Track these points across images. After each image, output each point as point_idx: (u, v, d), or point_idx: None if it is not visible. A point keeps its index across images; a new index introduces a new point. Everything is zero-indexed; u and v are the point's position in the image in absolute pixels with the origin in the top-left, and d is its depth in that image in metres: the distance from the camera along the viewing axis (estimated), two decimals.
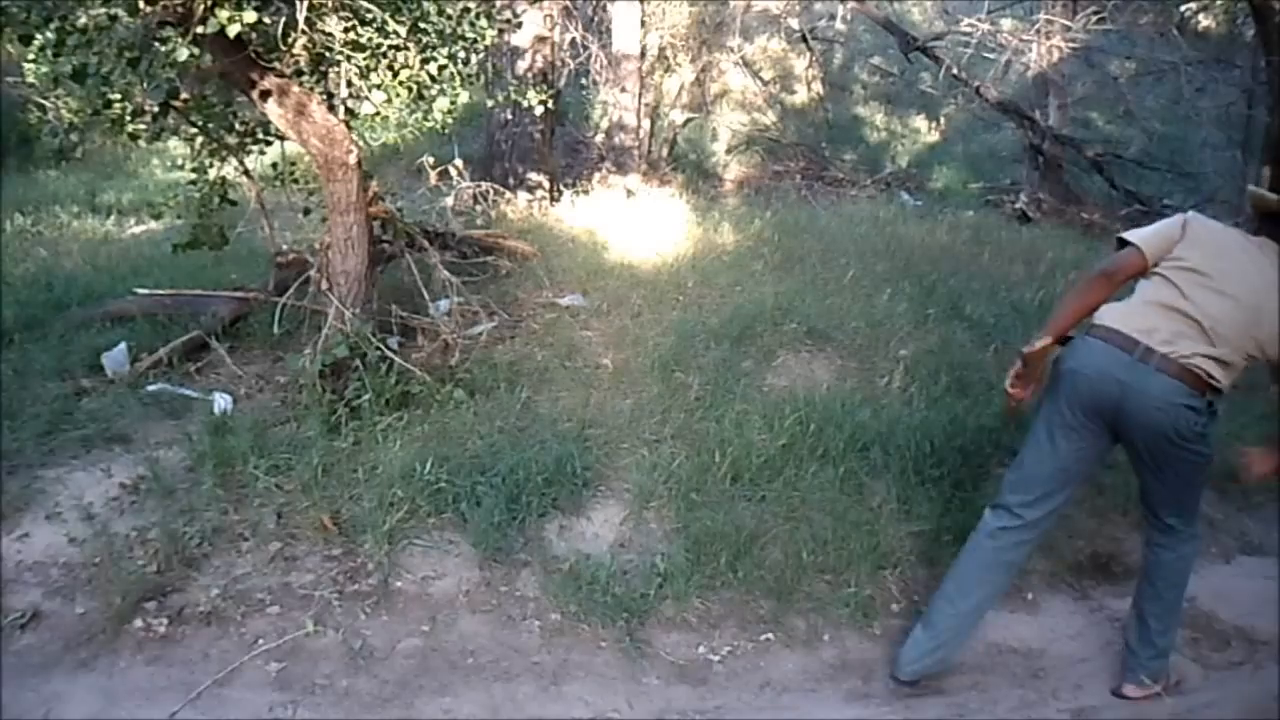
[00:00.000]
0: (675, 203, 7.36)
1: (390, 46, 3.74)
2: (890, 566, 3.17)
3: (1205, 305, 2.47)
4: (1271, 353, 2.51)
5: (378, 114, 4.11)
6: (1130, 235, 2.63)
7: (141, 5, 3.06)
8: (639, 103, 8.32)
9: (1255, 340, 2.49)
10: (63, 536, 3.03)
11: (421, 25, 3.73)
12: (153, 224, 6.71)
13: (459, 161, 5.56)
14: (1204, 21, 12.29)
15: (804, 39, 10.85)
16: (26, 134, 7.81)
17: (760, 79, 12.06)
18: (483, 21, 3.94)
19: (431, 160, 5.34)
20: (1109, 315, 2.56)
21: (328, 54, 3.72)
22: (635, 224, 6.36)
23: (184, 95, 3.85)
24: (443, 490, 3.25)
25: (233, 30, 3.06)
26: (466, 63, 4.06)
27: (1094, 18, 8.63)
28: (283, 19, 3.38)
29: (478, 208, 6.28)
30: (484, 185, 6.32)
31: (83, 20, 3.10)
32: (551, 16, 7.53)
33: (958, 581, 2.68)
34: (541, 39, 7.42)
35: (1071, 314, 2.63)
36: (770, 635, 2.90)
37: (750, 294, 5.01)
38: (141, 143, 3.93)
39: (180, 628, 2.75)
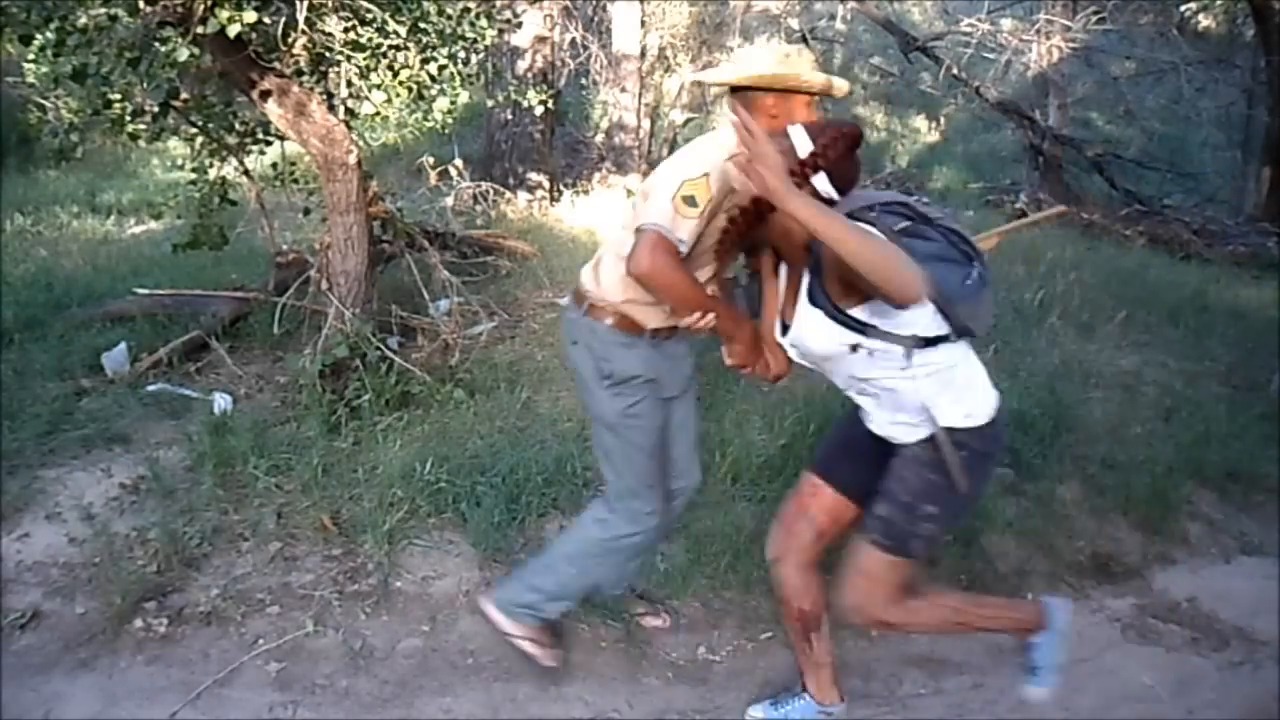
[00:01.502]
0: None
1: (390, 46, 3.74)
2: None
3: None
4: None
5: (378, 114, 4.12)
6: None
7: (141, 5, 3.06)
8: (639, 103, 8.32)
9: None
10: (63, 536, 3.03)
11: (421, 25, 3.74)
12: (153, 224, 6.72)
13: (459, 161, 5.58)
14: (1204, 21, 12.31)
15: (804, 39, 10.83)
16: (26, 134, 7.81)
17: None
18: (483, 21, 3.94)
19: (431, 160, 5.36)
20: None
21: (328, 54, 3.72)
22: None
23: (184, 95, 3.85)
24: (443, 490, 3.25)
25: (233, 30, 3.05)
26: (466, 63, 4.07)
27: (1094, 18, 8.63)
28: (283, 19, 3.39)
29: (478, 208, 6.30)
30: (484, 185, 6.35)
31: (83, 20, 3.10)
32: (551, 16, 7.54)
33: None
34: (541, 39, 7.42)
35: None
36: (770, 635, 2.89)
37: None
38: (141, 143, 3.94)
39: (180, 628, 2.75)
